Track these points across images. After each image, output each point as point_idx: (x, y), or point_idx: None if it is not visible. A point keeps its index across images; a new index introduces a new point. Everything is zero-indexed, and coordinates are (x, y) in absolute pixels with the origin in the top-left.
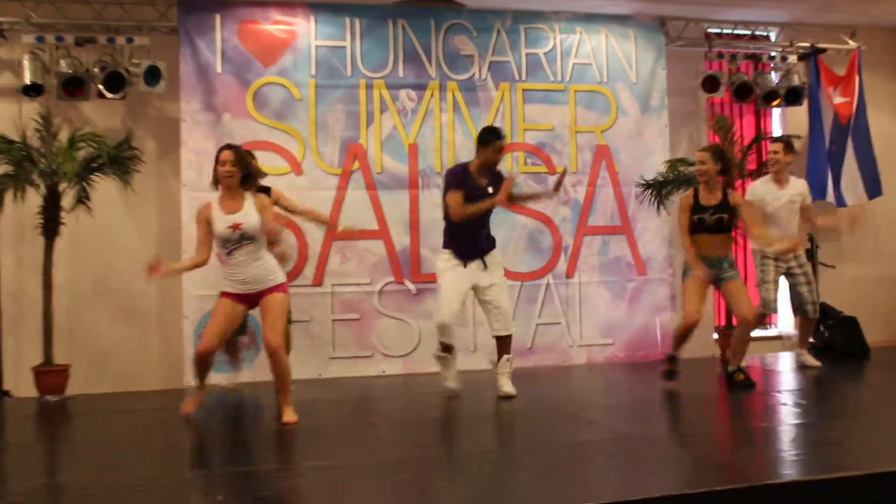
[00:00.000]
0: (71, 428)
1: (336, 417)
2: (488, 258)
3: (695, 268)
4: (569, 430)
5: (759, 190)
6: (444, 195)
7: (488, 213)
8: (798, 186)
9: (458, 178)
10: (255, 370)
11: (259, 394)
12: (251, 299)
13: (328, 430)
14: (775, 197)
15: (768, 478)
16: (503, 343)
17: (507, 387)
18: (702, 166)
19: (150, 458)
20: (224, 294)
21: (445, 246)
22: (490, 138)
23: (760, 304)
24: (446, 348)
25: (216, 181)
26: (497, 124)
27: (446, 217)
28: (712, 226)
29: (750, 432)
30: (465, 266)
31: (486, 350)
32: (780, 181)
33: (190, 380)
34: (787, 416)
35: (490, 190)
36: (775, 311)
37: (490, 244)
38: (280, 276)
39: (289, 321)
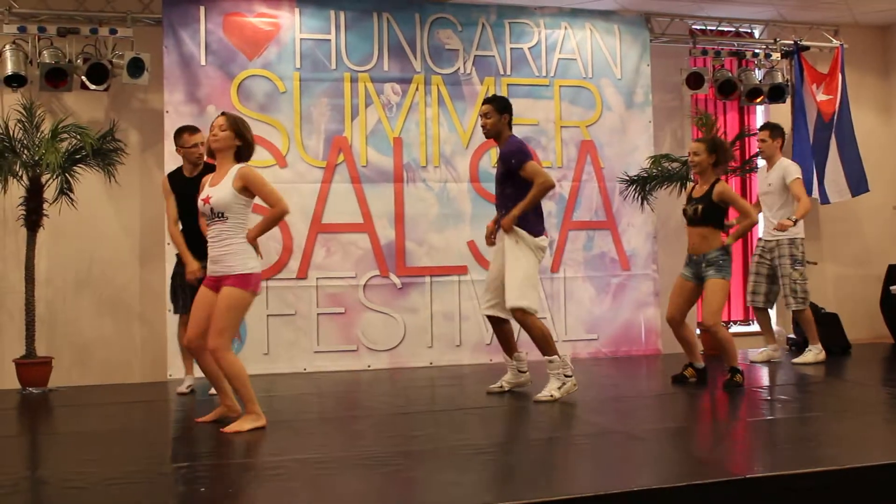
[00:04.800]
0: (53, 420)
1: (320, 411)
2: None
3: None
4: (552, 425)
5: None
6: (522, 166)
7: None
8: (778, 171)
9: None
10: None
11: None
12: (215, 284)
13: (312, 424)
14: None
15: (749, 472)
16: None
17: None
18: (695, 157)
19: (132, 451)
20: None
21: (539, 230)
22: None
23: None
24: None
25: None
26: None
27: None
28: (690, 217)
29: (731, 427)
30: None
31: (470, 345)
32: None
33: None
34: (768, 411)
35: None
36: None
37: None
38: (239, 267)
39: None
